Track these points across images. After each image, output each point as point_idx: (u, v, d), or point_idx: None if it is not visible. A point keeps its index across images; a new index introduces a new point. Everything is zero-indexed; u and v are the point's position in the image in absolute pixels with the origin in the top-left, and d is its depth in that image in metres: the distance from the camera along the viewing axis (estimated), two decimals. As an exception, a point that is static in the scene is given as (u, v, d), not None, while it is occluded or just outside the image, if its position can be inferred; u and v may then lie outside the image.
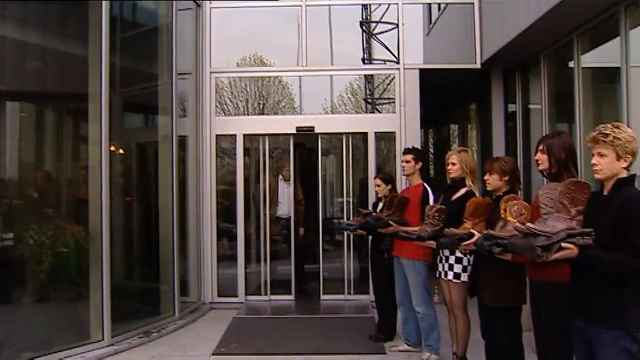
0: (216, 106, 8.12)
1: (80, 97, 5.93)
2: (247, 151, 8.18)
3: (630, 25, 5.11)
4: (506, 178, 4.07)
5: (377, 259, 5.94)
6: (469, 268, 4.55)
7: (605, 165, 2.74)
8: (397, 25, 8.11)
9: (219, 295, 7.78)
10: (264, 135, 8.04)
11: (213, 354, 5.65)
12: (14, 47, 5.78)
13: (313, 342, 5.99)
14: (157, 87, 7.11)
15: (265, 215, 8.06)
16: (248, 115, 9.17)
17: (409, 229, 4.92)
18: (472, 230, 3.78)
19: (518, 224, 3.04)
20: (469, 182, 4.75)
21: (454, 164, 4.81)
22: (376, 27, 9.98)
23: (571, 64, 6.21)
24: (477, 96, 8.93)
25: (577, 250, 2.64)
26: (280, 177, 8.27)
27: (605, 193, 2.80)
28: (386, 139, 8.10)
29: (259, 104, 9.55)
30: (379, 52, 9.94)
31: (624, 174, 2.75)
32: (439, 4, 10.19)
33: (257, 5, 8.28)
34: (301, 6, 7.87)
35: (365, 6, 9.99)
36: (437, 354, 5.18)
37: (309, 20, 7.92)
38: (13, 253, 5.57)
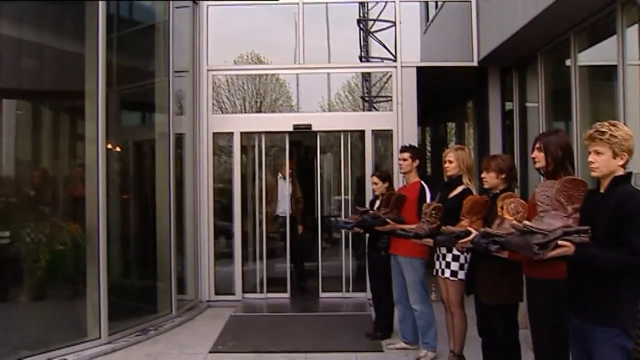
0: (213, 104, 8.11)
1: (77, 94, 5.92)
2: (244, 149, 8.17)
3: (627, 23, 5.12)
4: (503, 176, 4.08)
5: (374, 257, 5.94)
6: (466, 265, 4.55)
7: (602, 163, 2.75)
8: (394, 23, 8.11)
9: (216, 293, 7.77)
10: (261, 132, 8.04)
11: (210, 352, 5.65)
12: (10, 45, 5.76)
13: (310, 340, 5.99)
14: (153, 84, 7.09)
15: (261, 212, 8.05)
16: (245, 113, 9.15)
17: (406, 227, 4.93)
18: (469, 228, 3.78)
19: (515, 222, 3.05)
20: (465, 180, 4.76)
21: (450, 162, 4.82)
22: (373, 24, 9.98)
23: (568, 62, 6.22)
24: (474, 94, 8.94)
25: (574, 248, 2.65)
26: (280, 175, 8.27)
27: (602, 190, 2.81)
28: (383, 137, 8.10)
29: (256, 101, 9.53)
30: (376, 49, 9.95)
31: (620, 172, 2.76)
32: (436, 2, 10.18)
33: (254, 3, 8.27)
34: (298, 4, 7.86)
35: (362, 4, 9.98)
36: (433, 351, 5.19)
37: (306, 17, 7.91)
38: (9, 251, 5.55)
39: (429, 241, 4.40)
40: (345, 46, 9.34)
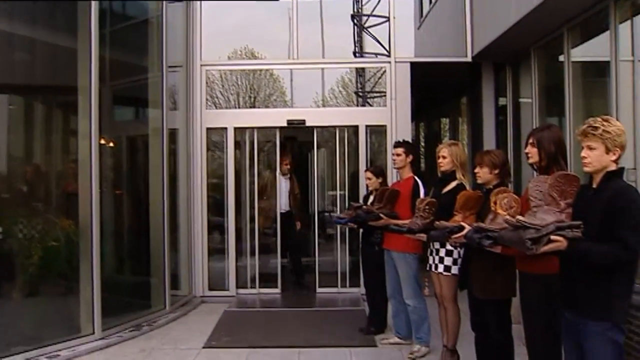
0: (207, 99, 8.08)
1: (70, 89, 5.89)
2: (237, 144, 8.15)
3: (620, 19, 5.14)
4: (496, 171, 4.09)
5: (368, 252, 5.95)
6: (459, 260, 4.57)
7: (594, 158, 2.76)
8: (388, 18, 8.11)
9: (210, 289, 7.77)
10: (255, 128, 8.02)
11: (204, 347, 5.65)
12: (1, 39, 5.72)
13: (304, 335, 6.00)
14: (147, 79, 7.06)
15: (253, 208, 8.04)
16: (239, 108, 9.11)
17: (400, 222, 4.94)
18: (462, 223, 3.79)
19: (508, 217, 3.06)
20: (459, 175, 4.77)
21: (444, 157, 4.82)
22: (367, 20, 9.94)
23: (561, 58, 6.24)
24: (467, 89, 8.95)
25: (566, 243, 2.66)
26: (279, 171, 8.25)
27: (594, 186, 2.82)
28: (377, 132, 8.10)
29: (250, 96, 9.48)
30: (370, 45, 9.91)
31: (613, 167, 2.77)
32: (430, -3, 10.19)
33: (249, 3, 8.26)
34: (292, -1, 7.86)
35: (356, -1, 9.96)
36: (427, 346, 5.21)
37: (300, 13, 7.89)
38: (2, 247, 5.52)
39: (423, 236, 4.40)
40: (339, 41, 9.30)
